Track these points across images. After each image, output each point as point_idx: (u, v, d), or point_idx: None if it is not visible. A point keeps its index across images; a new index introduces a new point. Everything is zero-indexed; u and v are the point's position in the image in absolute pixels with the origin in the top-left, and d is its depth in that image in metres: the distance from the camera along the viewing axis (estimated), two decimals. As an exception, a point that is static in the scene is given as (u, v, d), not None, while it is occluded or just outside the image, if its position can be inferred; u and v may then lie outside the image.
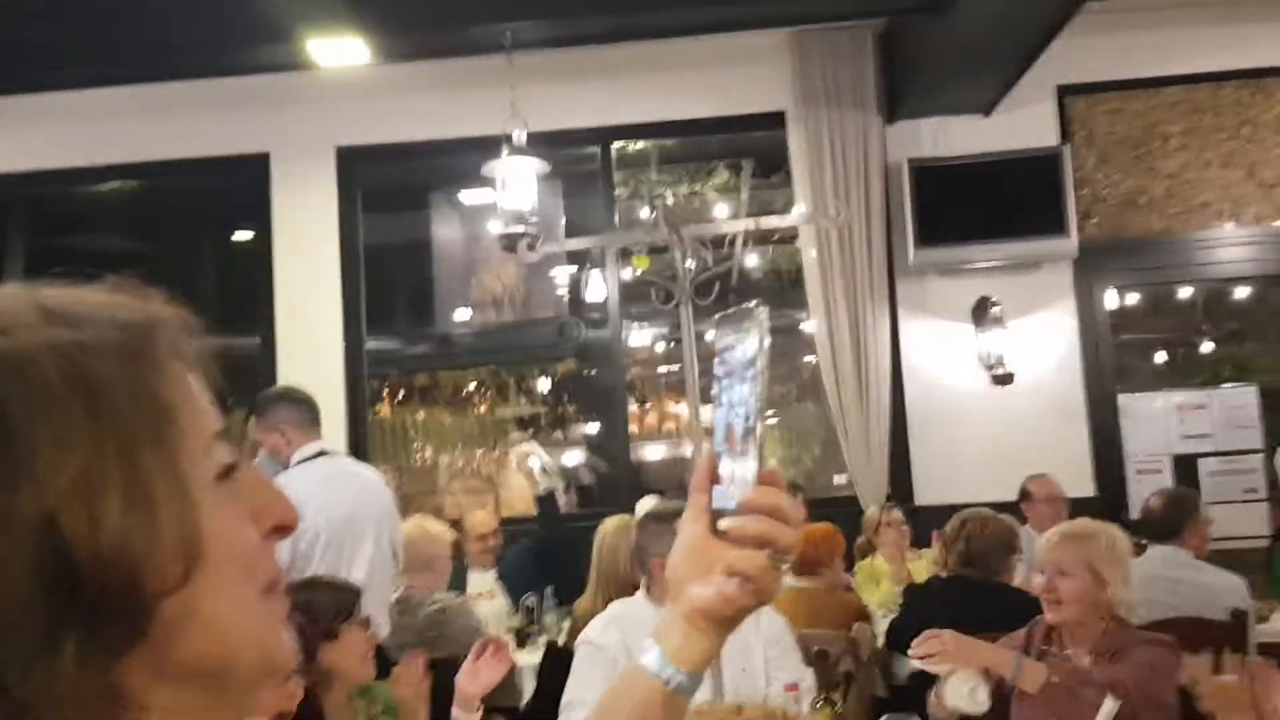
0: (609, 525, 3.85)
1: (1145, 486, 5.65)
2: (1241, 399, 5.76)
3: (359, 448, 5.64)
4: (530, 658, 3.85)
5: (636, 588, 2.96)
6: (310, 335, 5.76)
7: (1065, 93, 5.75)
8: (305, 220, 5.85)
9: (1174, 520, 3.85)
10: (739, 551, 0.79)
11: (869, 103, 5.55)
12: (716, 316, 0.85)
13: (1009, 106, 5.58)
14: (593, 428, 7.33)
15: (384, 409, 7.15)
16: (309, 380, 4.07)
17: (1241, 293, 6.70)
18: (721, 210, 6.61)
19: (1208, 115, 5.78)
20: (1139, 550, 3.79)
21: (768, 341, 0.81)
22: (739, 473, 0.81)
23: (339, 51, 5.03)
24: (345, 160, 5.88)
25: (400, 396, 7.42)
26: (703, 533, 0.82)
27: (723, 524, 0.80)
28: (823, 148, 5.55)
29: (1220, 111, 5.78)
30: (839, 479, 6.33)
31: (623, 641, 2.64)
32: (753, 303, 0.82)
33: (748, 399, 0.81)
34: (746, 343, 0.82)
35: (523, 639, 4.27)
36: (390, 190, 6.63)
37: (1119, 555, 2.72)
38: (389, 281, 6.58)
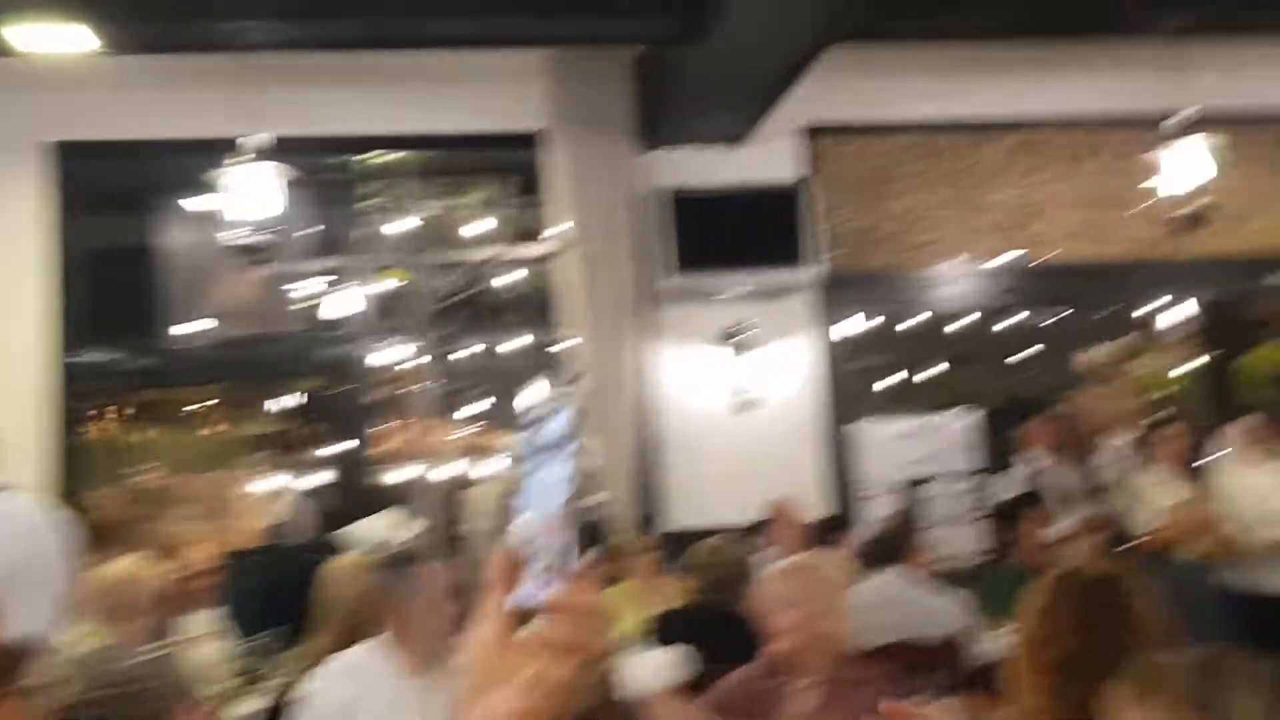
0: (344, 561, 3.63)
1: (877, 509, 5.96)
2: (962, 425, 6.15)
3: (63, 473, 5.13)
4: (259, 705, 3.57)
5: (375, 633, 2.79)
6: (3, 349, 5.18)
7: (810, 130, 5.99)
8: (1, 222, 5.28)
9: (898, 542, 4.05)
10: (542, 661, 0.69)
11: (626, 128, 5.58)
12: (522, 387, 0.78)
13: (759, 140, 5.75)
14: (336, 449, 7.00)
15: (100, 429, 6.55)
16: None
17: (963, 323, 7.20)
18: (479, 228, 6.48)
19: (936, 160, 6.18)
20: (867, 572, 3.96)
21: (583, 417, 0.74)
22: (548, 565, 0.71)
23: (47, 38, 4.56)
24: (57, 157, 5.35)
25: (121, 415, 6.83)
26: (499, 635, 0.71)
27: (524, 632, 0.71)
28: (580, 171, 5.53)
29: (947, 157, 6.18)
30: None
31: (356, 698, 2.47)
32: (568, 376, 0.74)
33: (561, 481, 0.72)
34: (558, 418, 0.74)
35: (251, 684, 3.96)
36: (116, 192, 6.08)
37: (838, 585, 2.81)
38: (113, 290, 6.03)
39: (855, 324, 6.29)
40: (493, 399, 7.08)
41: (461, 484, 5.03)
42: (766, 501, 5.09)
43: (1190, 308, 6.76)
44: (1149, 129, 6.16)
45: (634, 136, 5.60)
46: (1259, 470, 5.43)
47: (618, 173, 5.56)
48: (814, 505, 5.67)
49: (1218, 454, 5.54)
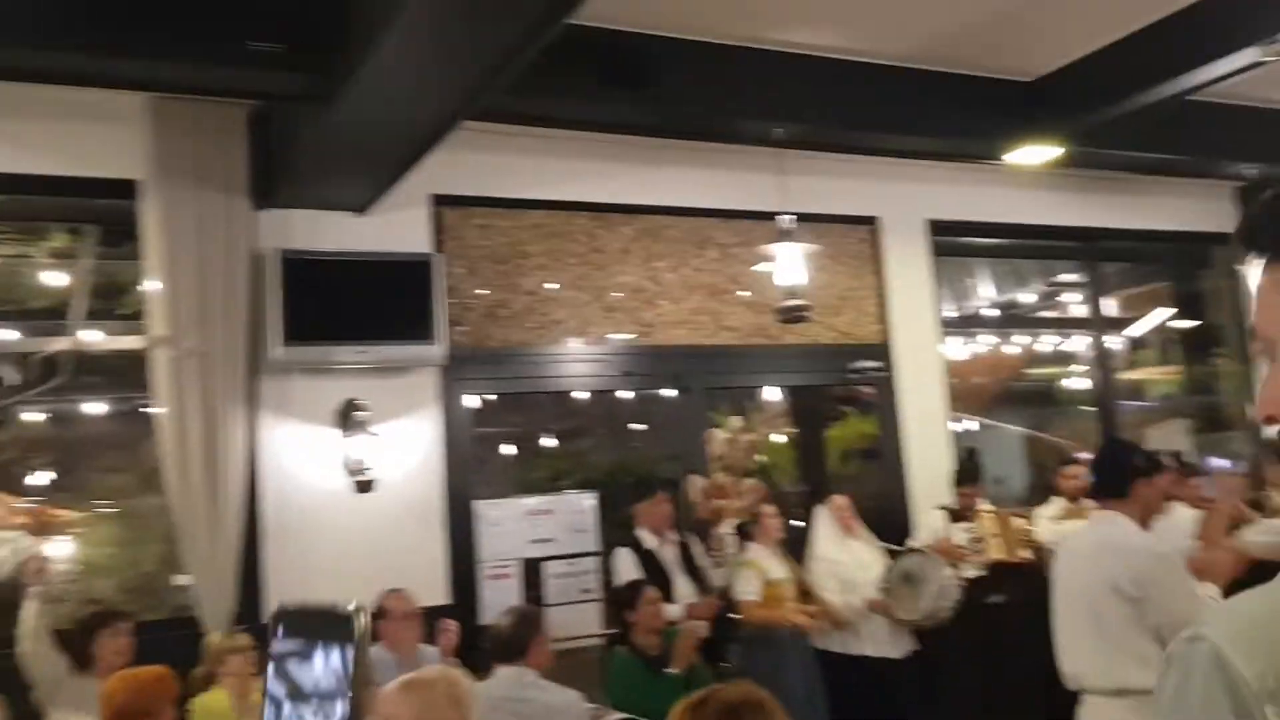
0: None
1: (497, 591, 5.83)
2: (582, 504, 6.20)
3: None
4: None
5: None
6: None
7: (440, 202, 5.87)
8: None
9: (519, 639, 3.93)
10: None
11: (237, 185, 5.16)
12: (276, 610, 0.69)
13: (386, 208, 5.53)
14: None
15: None
16: None
17: (585, 401, 7.32)
18: (58, 279, 5.70)
19: (564, 240, 6.26)
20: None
21: (364, 651, 0.65)
22: None
23: None
24: None
25: None
26: None
27: None
28: (179, 226, 5.03)
29: (574, 238, 6.29)
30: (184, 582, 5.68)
31: None
32: (348, 604, 0.67)
33: None
34: (331, 654, 0.65)
35: None
36: None
37: (459, 698, 2.65)
38: None
39: (479, 401, 6.19)
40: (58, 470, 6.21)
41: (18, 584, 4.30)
42: (382, 589, 4.80)
43: (788, 389, 7.29)
44: (759, 225, 6.67)
45: (247, 195, 5.19)
46: (847, 544, 5.91)
47: (224, 231, 5.11)
48: (431, 590, 5.46)
49: (813, 529, 5.97)
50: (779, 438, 7.81)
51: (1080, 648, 3.35)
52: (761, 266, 6.63)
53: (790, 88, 5.53)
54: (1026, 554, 6.13)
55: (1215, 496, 6.38)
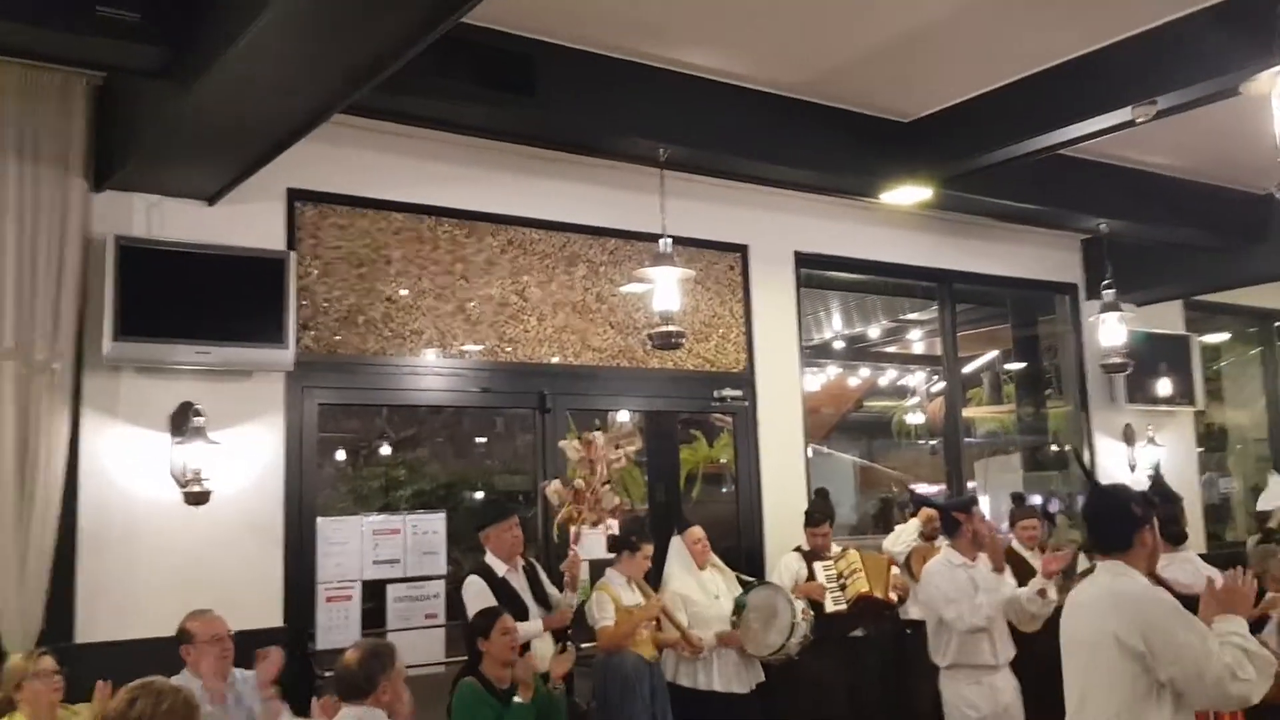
0: None
1: (335, 614, 5.49)
2: (431, 524, 5.90)
3: None
4: None
5: None
6: None
7: (297, 197, 5.50)
8: None
9: (368, 677, 3.65)
10: None
11: (74, 162, 4.70)
12: None
13: (238, 199, 5.14)
14: None
15: None
16: None
17: (440, 415, 7.02)
18: None
19: (428, 246, 5.96)
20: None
21: None
22: None
23: None
24: None
25: None
26: None
27: None
28: (5, 203, 4.55)
29: (439, 245, 6.00)
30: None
31: None
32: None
33: None
34: None
35: None
36: None
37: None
38: None
39: (327, 410, 5.82)
40: None
41: None
42: (192, 614, 4.39)
43: (647, 411, 7.16)
44: (630, 245, 6.53)
45: (83, 174, 4.72)
46: (699, 576, 5.80)
47: (56, 212, 4.64)
48: (264, 612, 5.08)
49: (667, 558, 5.84)
50: (634, 461, 7.68)
51: (1088, 708, 3.19)
52: (631, 287, 6.49)
53: (677, 108, 5.41)
54: (892, 595, 6.17)
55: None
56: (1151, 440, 8.86)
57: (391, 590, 5.68)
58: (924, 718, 5.52)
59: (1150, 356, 8.53)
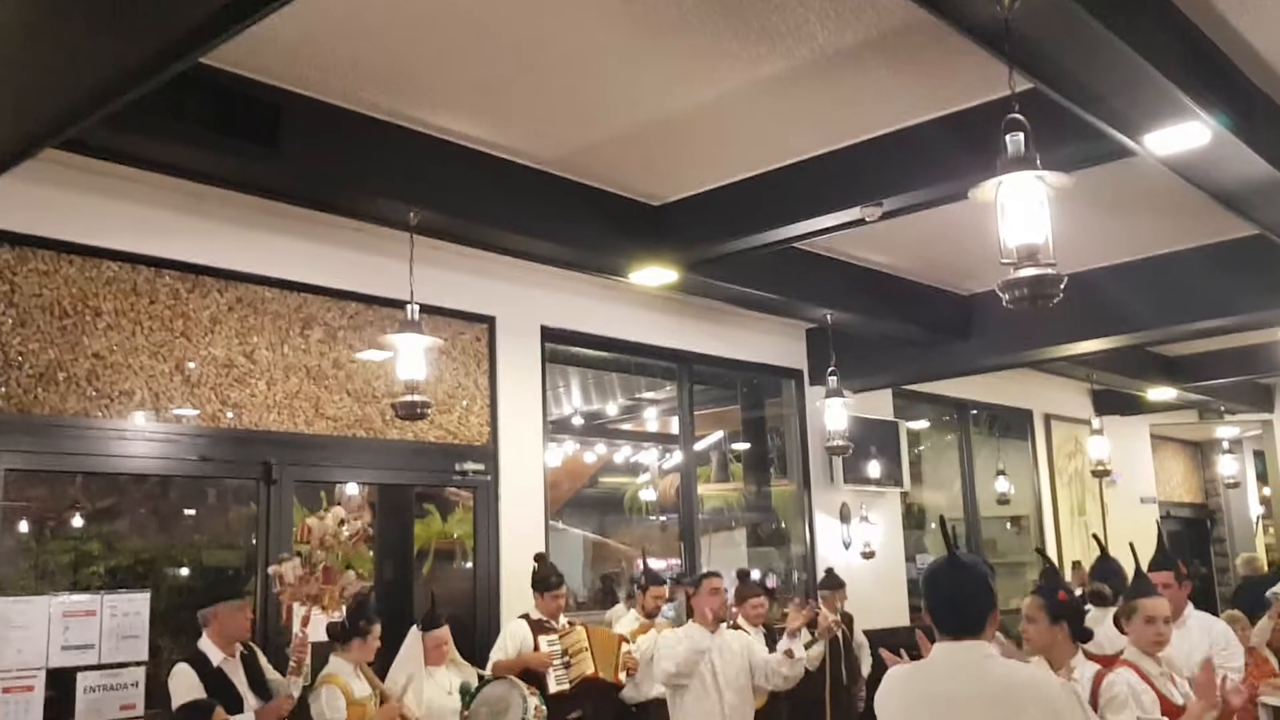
0: None
1: (12, 707, 4.82)
2: (132, 605, 5.33)
3: None
4: None
5: None
6: None
7: (-6, 238, 4.92)
8: None
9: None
10: None
11: None
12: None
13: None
14: None
15: None
16: None
17: (148, 484, 6.38)
18: None
19: (144, 299, 5.47)
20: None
21: None
22: None
23: None
24: None
25: None
26: None
27: None
28: None
29: (157, 298, 5.52)
30: None
31: None
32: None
33: None
34: None
35: None
36: None
37: None
38: None
39: (14, 477, 5.16)
40: None
41: None
42: None
43: (380, 484, 6.84)
44: (370, 309, 6.27)
45: None
46: (436, 672, 5.50)
47: None
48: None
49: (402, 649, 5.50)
50: (365, 536, 7.29)
51: None
52: (371, 354, 6.22)
53: (429, 172, 5.25)
54: (621, 675, 6.06)
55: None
56: (865, 518, 9.39)
57: (82, 679, 5.05)
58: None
59: (863, 440, 9.07)
